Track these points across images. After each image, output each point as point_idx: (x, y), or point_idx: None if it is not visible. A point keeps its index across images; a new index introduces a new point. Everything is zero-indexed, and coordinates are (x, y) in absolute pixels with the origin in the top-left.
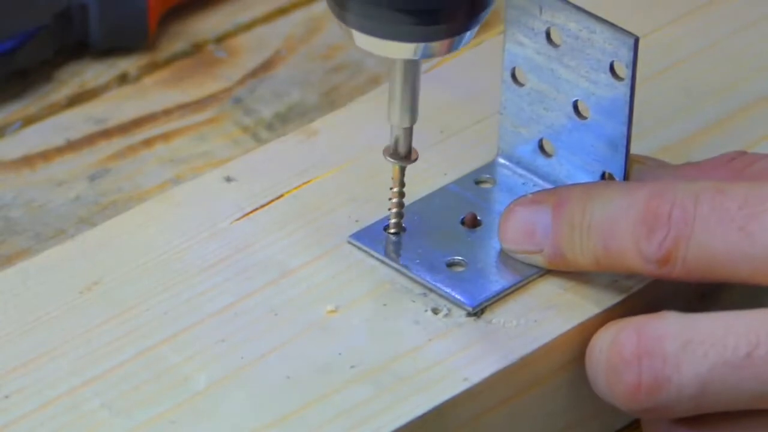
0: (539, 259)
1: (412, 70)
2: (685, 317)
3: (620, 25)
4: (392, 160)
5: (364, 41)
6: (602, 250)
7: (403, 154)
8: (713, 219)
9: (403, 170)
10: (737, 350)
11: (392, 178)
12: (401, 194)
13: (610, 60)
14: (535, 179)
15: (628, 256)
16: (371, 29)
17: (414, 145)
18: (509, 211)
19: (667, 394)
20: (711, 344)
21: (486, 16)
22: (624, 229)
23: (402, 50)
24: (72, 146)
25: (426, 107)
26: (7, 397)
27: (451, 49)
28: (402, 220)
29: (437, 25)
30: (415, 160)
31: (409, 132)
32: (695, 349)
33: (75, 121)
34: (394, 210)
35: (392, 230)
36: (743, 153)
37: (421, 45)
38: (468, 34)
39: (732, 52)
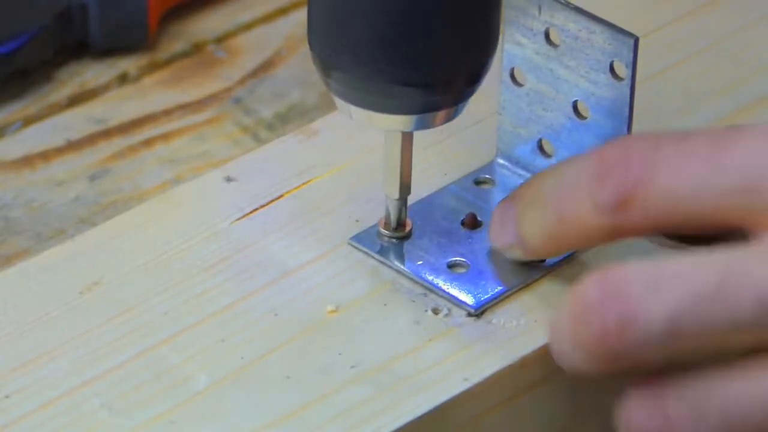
0: (517, 252)
1: (404, 141)
2: (652, 260)
3: (620, 24)
4: (386, 232)
5: (354, 113)
6: (557, 218)
7: (395, 226)
8: (679, 158)
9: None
10: (707, 283)
11: None
12: None
13: (609, 60)
14: None
15: (582, 214)
16: (363, 102)
17: (414, 144)
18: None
19: (635, 335)
20: (679, 280)
21: (481, 84)
22: (575, 187)
23: (396, 122)
24: (72, 146)
25: None
26: (7, 397)
27: (448, 119)
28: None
29: (435, 96)
30: (409, 231)
31: (402, 204)
32: (662, 286)
33: (75, 121)
34: None
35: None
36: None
37: (416, 117)
38: (465, 103)
39: (732, 52)
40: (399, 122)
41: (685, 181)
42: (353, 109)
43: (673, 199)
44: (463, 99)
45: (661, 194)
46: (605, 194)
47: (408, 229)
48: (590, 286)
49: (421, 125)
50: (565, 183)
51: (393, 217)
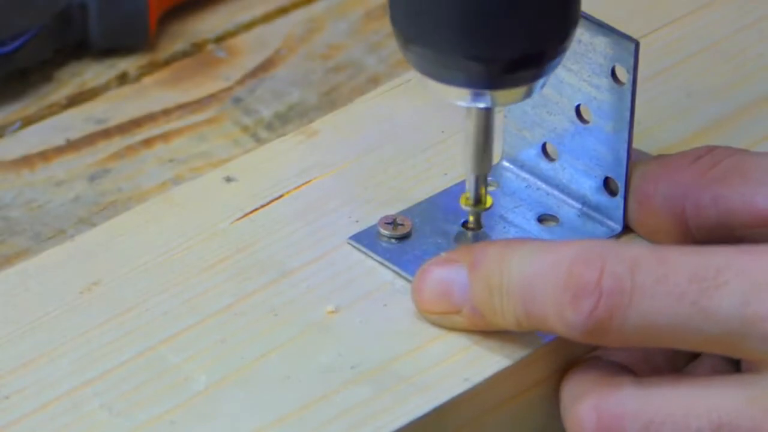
0: (459, 320)
1: (483, 117)
2: (644, 392)
3: (620, 25)
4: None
5: (434, 87)
6: (523, 313)
7: (474, 202)
8: (660, 291)
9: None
10: None
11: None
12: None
13: (611, 64)
14: (539, 183)
15: (550, 321)
16: (443, 77)
17: (414, 144)
18: (423, 271)
19: None
20: (672, 424)
21: (559, 63)
22: (545, 293)
23: (469, 97)
24: (72, 146)
25: (426, 107)
26: (7, 397)
27: (526, 97)
28: None
29: (513, 73)
30: (489, 207)
31: (480, 179)
32: (657, 431)
33: (75, 121)
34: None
35: None
36: (712, 149)
37: (494, 93)
38: (542, 80)
39: (732, 52)
40: (472, 97)
41: (666, 319)
42: (431, 83)
43: (651, 333)
44: (538, 77)
45: (639, 324)
46: (577, 318)
47: (489, 205)
48: (587, 416)
49: (497, 102)
50: (532, 277)
51: (472, 193)
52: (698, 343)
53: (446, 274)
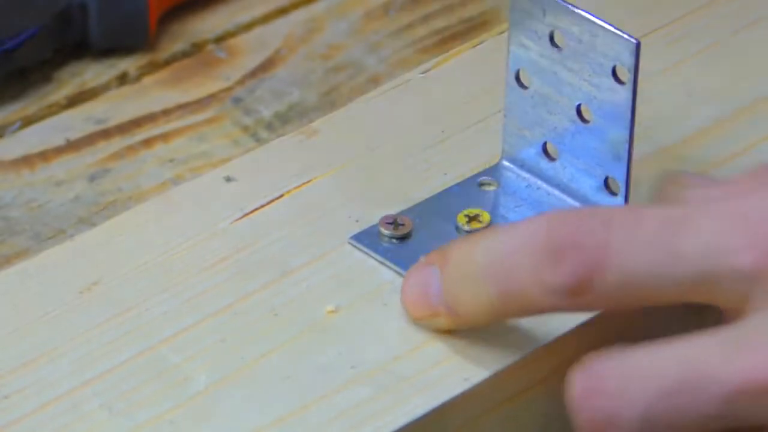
0: (441, 322)
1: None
2: (623, 353)
3: (620, 24)
4: (386, 232)
5: None
6: (496, 293)
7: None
8: (634, 242)
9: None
10: (669, 380)
11: None
12: None
13: (612, 64)
14: (539, 182)
15: (528, 293)
16: None
17: (414, 144)
18: (405, 277)
19: (618, 428)
20: (643, 378)
21: None
22: (520, 264)
23: None
24: (71, 146)
25: (426, 107)
26: (7, 397)
27: None
28: None
29: None
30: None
31: None
32: (631, 386)
33: (75, 121)
34: None
35: None
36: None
37: None
38: None
39: (732, 52)
40: None
41: (643, 268)
42: None
43: (631, 285)
44: None
45: (618, 280)
46: (558, 279)
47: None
48: (577, 379)
49: None
50: (502, 253)
51: None
52: (676, 292)
53: (421, 277)
